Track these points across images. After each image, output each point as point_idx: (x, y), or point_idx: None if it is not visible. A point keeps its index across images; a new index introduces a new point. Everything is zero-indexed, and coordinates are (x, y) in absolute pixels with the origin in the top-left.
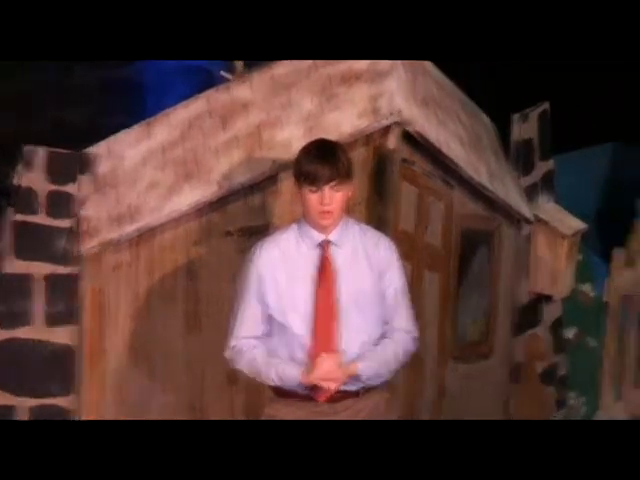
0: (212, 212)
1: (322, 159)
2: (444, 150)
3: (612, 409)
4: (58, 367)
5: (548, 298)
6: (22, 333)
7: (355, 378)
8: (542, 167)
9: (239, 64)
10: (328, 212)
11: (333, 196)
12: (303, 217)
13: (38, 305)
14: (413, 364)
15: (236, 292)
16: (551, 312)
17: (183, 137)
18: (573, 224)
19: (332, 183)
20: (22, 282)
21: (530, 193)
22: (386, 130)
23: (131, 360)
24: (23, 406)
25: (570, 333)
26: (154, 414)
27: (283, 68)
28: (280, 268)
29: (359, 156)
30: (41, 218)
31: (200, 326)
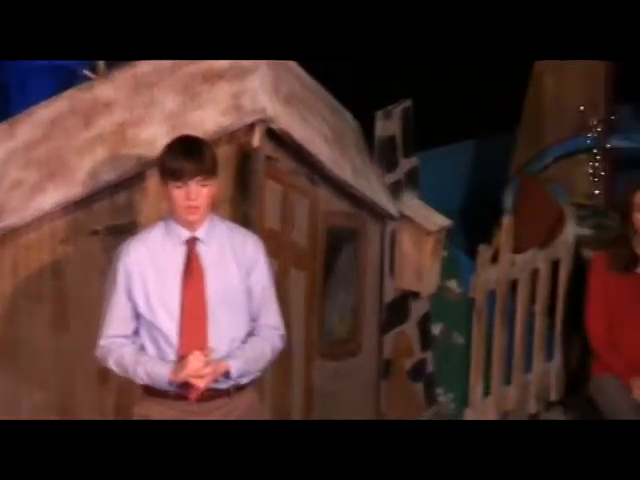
0: (78, 211)
1: (187, 154)
2: (308, 148)
3: (481, 405)
4: None
5: (415, 295)
6: None
7: (225, 376)
8: (406, 164)
9: (101, 63)
10: (195, 207)
11: (199, 191)
12: (170, 214)
13: None
14: (280, 362)
15: (104, 291)
16: (418, 309)
17: (46, 136)
18: (438, 221)
19: (198, 178)
20: None
21: (394, 190)
22: (250, 128)
23: None
24: None
25: (436, 329)
26: (24, 414)
27: (145, 67)
28: (148, 266)
29: (223, 154)
30: None
31: (68, 325)
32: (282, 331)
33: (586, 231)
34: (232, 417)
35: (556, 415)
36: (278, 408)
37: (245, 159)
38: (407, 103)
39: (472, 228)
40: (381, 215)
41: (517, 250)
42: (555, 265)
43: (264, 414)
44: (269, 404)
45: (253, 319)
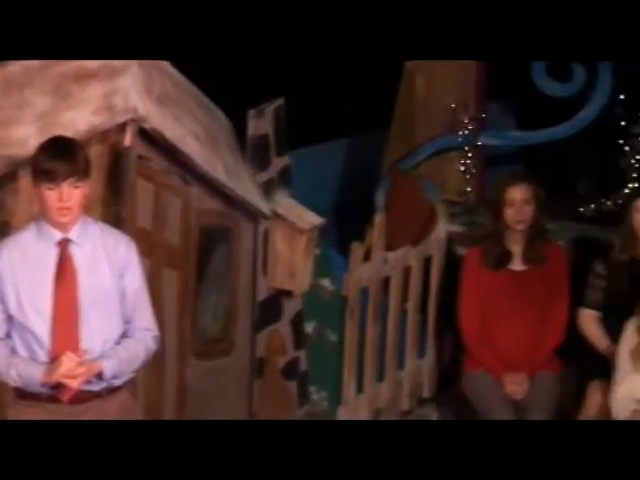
0: None
1: (60, 155)
2: (180, 147)
3: (354, 403)
4: None
5: (288, 293)
6: None
7: (98, 377)
8: (278, 163)
9: None
10: (67, 208)
11: (72, 193)
12: (41, 216)
13: None
14: (154, 362)
15: None
16: (291, 307)
17: None
18: (310, 219)
19: (71, 179)
20: None
21: (267, 189)
22: (122, 127)
23: None
24: None
25: (310, 328)
26: None
27: (15, 67)
28: (20, 268)
29: (95, 154)
30: None
31: None
32: (155, 332)
33: (458, 228)
34: (106, 419)
35: (428, 412)
36: (151, 408)
37: (117, 159)
38: (279, 102)
39: (345, 226)
40: (254, 214)
41: (389, 247)
42: (427, 262)
43: (137, 415)
44: (142, 403)
45: (126, 321)
